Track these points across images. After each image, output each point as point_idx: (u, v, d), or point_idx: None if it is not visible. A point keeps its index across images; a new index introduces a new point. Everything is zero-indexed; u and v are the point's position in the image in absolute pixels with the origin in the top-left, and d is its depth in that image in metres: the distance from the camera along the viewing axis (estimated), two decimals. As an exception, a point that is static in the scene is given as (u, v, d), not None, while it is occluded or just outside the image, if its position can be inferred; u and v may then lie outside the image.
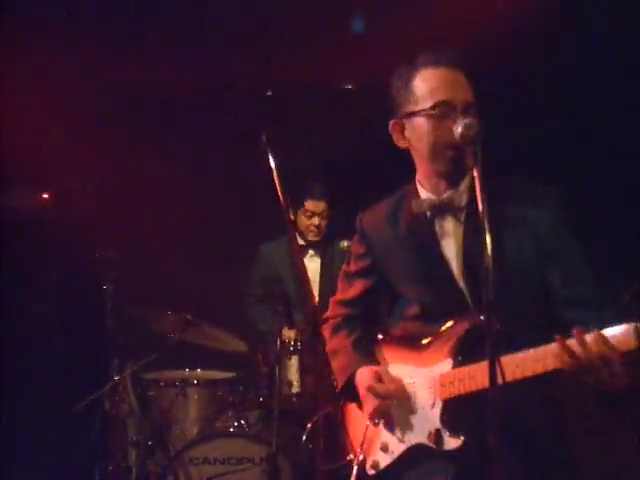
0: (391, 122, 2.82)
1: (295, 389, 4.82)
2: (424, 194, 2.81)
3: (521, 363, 2.43)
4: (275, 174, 3.89)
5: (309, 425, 4.16)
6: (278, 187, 3.88)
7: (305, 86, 5.96)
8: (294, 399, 4.82)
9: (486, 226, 2.34)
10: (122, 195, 5.71)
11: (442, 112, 2.68)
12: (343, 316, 3.07)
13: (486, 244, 2.32)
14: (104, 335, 5.00)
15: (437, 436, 2.63)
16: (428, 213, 2.76)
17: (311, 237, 5.44)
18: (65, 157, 5.63)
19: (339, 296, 3.11)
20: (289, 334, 4.90)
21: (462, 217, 2.73)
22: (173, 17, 5.28)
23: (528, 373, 2.43)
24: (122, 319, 5.04)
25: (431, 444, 2.64)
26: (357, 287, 3.01)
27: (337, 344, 3.03)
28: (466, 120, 2.58)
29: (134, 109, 5.74)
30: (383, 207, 2.93)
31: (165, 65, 5.54)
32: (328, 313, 3.14)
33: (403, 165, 5.54)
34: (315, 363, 4.65)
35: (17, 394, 5.65)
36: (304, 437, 4.18)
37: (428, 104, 2.70)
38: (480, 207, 2.38)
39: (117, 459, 4.96)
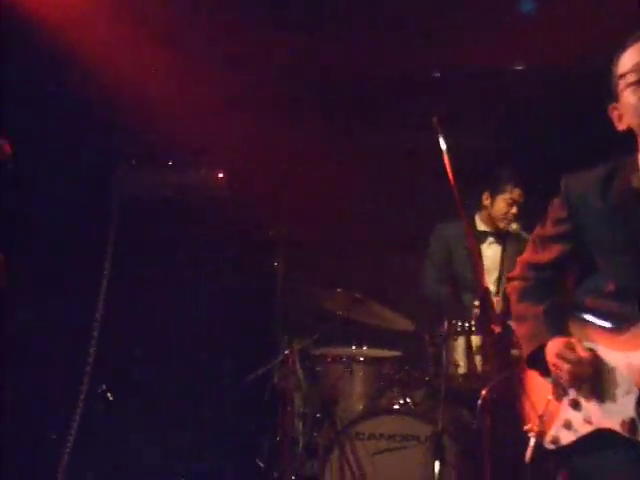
0: (609, 107, 2.80)
1: (461, 370, 4.81)
2: None
3: None
4: (446, 156, 3.94)
5: (483, 392, 4.14)
6: (449, 169, 3.92)
7: (474, 67, 5.92)
8: (460, 379, 4.82)
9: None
10: (295, 174, 5.84)
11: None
12: (532, 279, 2.98)
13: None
14: (275, 310, 5.17)
15: (632, 425, 2.58)
16: None
17: (502, 225, 5.36)
18: (240, 136, 5.82)
19: (529, 258, 3.03)
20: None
21: None
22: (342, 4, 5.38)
23: None
24: (292, 295, 5.20)
25: (624, 433, 2.60)
26: (552, 251, 2.93)
27: (525, 309, 2.95)
28: None
29: (307, 91, 5.85)
30: (593, 174, 2.85)
31: (336, 50, 5.63)
32: (514, 273, 3.07)
33: (572, 146, 5.44)
34: (483, 344, 4.67)
35: (191, 366, 5.88)
36: (479, 402, 4.15)
37: (628, 74, 2.68)
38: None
39: (285, 431, 5.12)
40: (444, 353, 4.78)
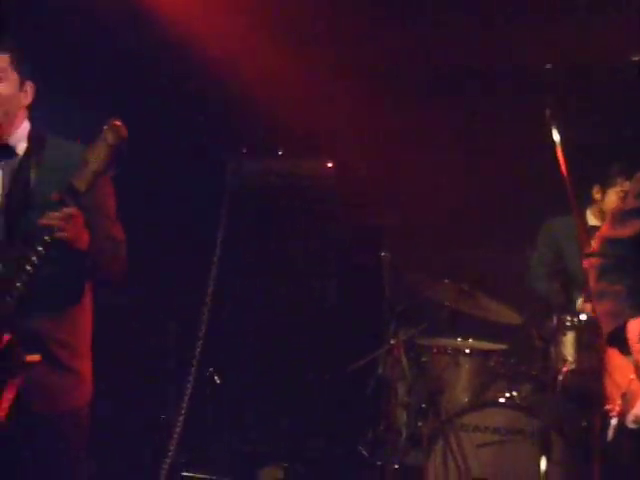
0: None
1: (570, 365, 4.76)
2: None
3: None
4: (559, 149, 3.89)
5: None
6: (562, 162, 3.88)
7: (586, 60, 5.82)
8: (569, 375, 4.77)
9: None
10: (403, 164, 5.83)
11: None
12: (612, 256, 2.90)
13: None
14: (382, 300, 5.19)
15: None
16: None
17: None
18: (349, 125, 5.85)
19: (608, 233, 2.95)
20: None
21: None
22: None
23: None
24: (399, 286, 5.21)
25: None
26: (633, 226, 2.85)
27: (605, 287, 2.88)
28: None
29: (419, 80, 5.83)
30: None
31: (450, 41, 5.61)
32: (594, 248, 2.99)
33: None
34: (593, 339, 4.59)
35: (298, 353, 5.96)
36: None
37: None
38: None
39: (389, 420, 5.15)
40: (552, 348, 4.74)
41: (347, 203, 5.88)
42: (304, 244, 6.02)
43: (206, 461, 5.57)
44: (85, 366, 3.39)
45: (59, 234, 2.92)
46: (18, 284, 3.03)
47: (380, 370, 5.34)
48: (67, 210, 2.91)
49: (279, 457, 5.77)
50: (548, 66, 5.83)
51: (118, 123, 2.89)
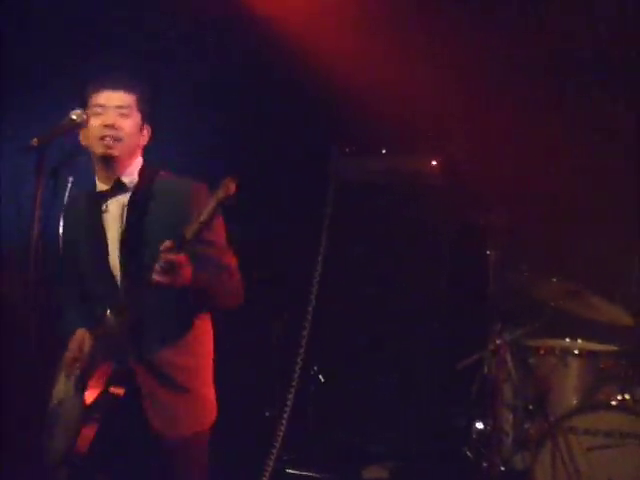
0: None
1: (686, 368, 4.60)
2: None
3: None
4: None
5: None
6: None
7: None
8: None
9: None
10: (507, 161, 5.71)
11: None
12: None
13: None
14: (487, 300, 5.11)
15: None
16: None
17: None
18: (454, 124, 5.78)
19: None
20: None
21: None
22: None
23: None
24: (504, 285, 5.12)
25: None
26: None
27: None
28: None
29: (529, 74, 5.69)
30: None
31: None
32: None
33: None
34: None
35: (402, 350, 5.93)
36: None
37: None
38: None
39: (495, 421, 5.05)
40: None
41: (451, 201, 5.81)
42: (407, 243, 5.98)
43: (310, 459, 5.59)
44: (207, 390, 3.51)
45: (159, 278, 3.08)
46: (130, 314, 3.24)
47: (485, 370, 5.26)
48: (171, 257, 3.06)
49: (383, 456, 5.75)
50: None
51: (231, 182, 3.05)
